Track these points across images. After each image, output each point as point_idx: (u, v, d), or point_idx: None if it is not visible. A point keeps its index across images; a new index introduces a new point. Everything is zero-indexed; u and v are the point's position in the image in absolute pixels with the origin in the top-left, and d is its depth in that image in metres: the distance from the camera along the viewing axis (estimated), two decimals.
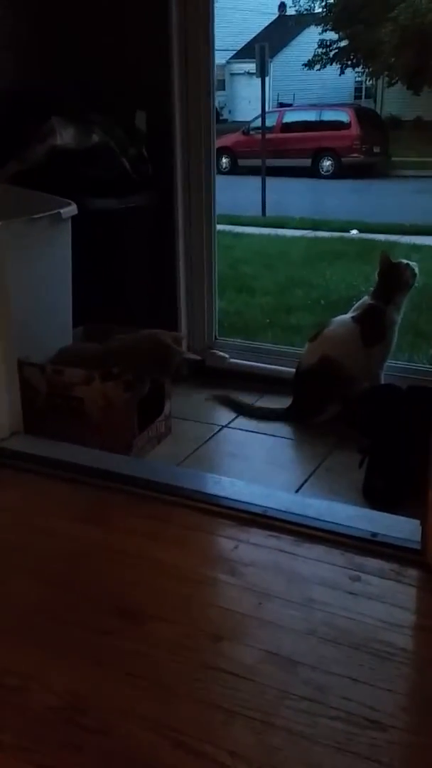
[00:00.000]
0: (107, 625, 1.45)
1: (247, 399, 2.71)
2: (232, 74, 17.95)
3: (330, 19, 15.49)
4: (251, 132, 11.18)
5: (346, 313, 2.60)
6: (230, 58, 17.69)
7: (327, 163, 10.99)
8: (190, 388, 2.76)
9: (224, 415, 2.63)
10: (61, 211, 2.36)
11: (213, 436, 2.50)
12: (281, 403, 2.60)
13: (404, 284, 2.52)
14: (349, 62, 15.66)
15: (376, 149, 11.33)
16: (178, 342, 2.33)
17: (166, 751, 1.18)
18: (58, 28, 2.74)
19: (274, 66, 14.46)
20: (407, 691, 1.31)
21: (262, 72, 9.63)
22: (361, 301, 2.60)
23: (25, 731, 1.23)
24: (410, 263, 2.54)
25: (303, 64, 15.90)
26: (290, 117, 11.94)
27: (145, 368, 2.26)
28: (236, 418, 2.60)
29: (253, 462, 2.33)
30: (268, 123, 10.61)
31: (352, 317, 2.55)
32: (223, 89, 17.34)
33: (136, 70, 2.69)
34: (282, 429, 2.52)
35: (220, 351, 2.95)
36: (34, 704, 1.28)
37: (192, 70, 2.68)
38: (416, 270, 2.53)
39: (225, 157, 10.78)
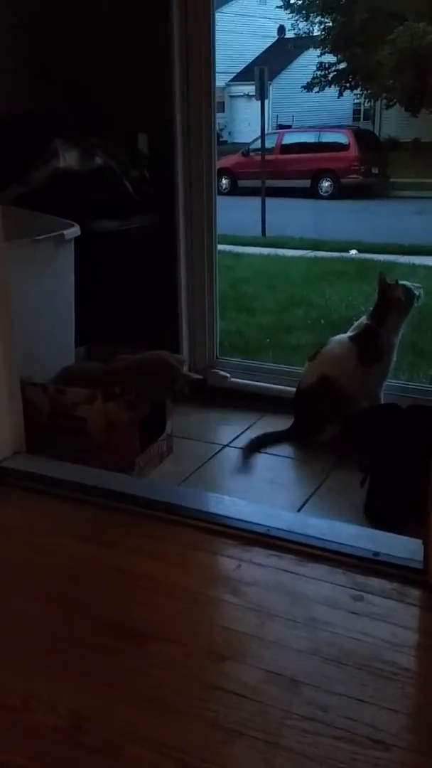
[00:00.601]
0: (109, 645, 1.45)
1: (248, 418, 2.72)
2: (232, 96, 18.13)
3: (329, 41, 15.66)
4: (251, 153, 11.27)
5: (345, 333, 2.62)
6: (230, 81, 17.86)
7: (326, 184, 11.07)
8: (192, 407, 2.77)
9: (226, 435, 2.63)
10: (64, 232, 2.39)
11: (215, 455, 2.51)
12: (282, 422, 2.61)
13: (397, 305, 2.50)
14: (348, 84, 15.81)
15: (375, 170, 11.41)
16: (180, 364, 2.35)
17: None
18: (61, 51, 2.78)
19: (274, 88, 14.60)
20: (410, 711, 1.31)
21: (262, 94, 9.74)
22: (359, 321, 2.62)
23: (26, 750, 1.22)
24: (408, 284, 2.54)
25: (302, 87, 16.05)
26: (289, 138, 12.03)
27: (148, 388, 2.27)
28: (238, 437, 2.61)
29: (255, 481, 2.34)
30: (268, 144, 10.70)
31: (350, 337, 2.56)
32: (223, 111, 17.49)
33: (139, 94, 2.72)
34: (283, 448, 2.53)
35: (222, 370, 2.96)
36: (35, 723, 1.27)
37: (193, 93, 2.72)
38: (416, 291, 2.52)
39: (225, 178, 10.85)
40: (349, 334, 2.58)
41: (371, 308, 2.57)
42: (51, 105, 2.72)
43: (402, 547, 1.68)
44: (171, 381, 2.30)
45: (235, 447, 2.56)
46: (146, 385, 2.27)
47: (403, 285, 2.52)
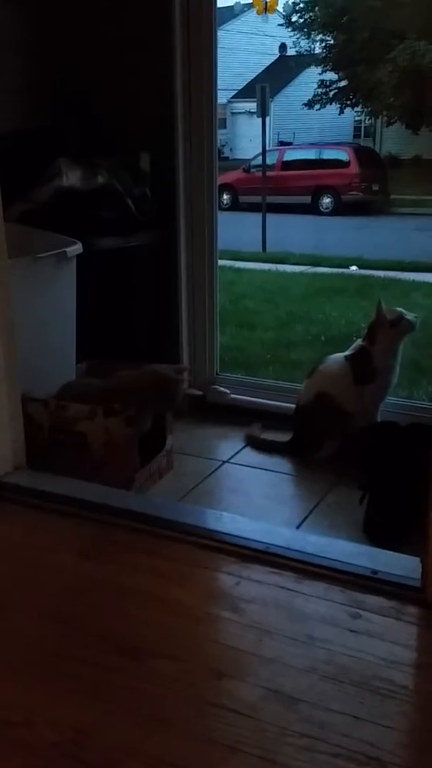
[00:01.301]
0: (109, 661, 1.45)
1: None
2: (234, 113, 18.25)
3: (330, 59, 15.81)
4: (252, 169, 11.36)
5: (345, 350, 2.63)
6: (231, 98, 18.00)
7: (327, 201, 11.14)
8: (191, 423, 2.79)
9: (225, 451, 2.65)
10: (67, 249, 2.41)
11: (214, 471, 2.52)
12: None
13: (385, 328, 2.51)
14: (349, 102, 15.94)
15: (375, 187, 11.49)
16: (179, 372, 2.36)
17: None
18: (64, 71, 2.81)
19: (275, 105, 14.73)
20: (407, 728, 1.32)
21: (263, 111, 9.83)
22: (357, 340, 2.64)
23: (27, 765, 1.23)
24: (401, 310, 2.53)
25: (303, 104, 16.18)
26: (290, 155, 12.13)
27: (148, 403, 2.29)
28: (238, 453, 2.62)
29: (254, 498, 2.35)
30: (269, 161, 10.78)
31: (345, 356, 2.58)
32: (225, 128, 17.61)
33: (141, 112, 2.75)
34: (282, 465, 2.54)
35: (221, 386, 2.97)
36: (36, 739, 1.28)
37: (195, 109, 2.74)
38: (410, 318, 2.52)
39: (226, 194, 10.92)
40: (346, 353, 2.60)
41: (365, 329, 2.60)
42: (54, 124, 2.75)
43: (400, 565, 1.69)
44: (171, 392, 2.32)
45: (235, 463, 2.57)
46: (146, 399, 2.28)
47: (395, 310, 2.53)
